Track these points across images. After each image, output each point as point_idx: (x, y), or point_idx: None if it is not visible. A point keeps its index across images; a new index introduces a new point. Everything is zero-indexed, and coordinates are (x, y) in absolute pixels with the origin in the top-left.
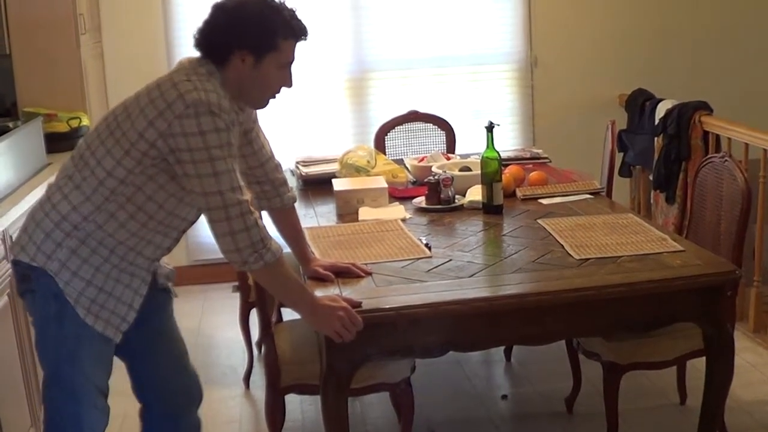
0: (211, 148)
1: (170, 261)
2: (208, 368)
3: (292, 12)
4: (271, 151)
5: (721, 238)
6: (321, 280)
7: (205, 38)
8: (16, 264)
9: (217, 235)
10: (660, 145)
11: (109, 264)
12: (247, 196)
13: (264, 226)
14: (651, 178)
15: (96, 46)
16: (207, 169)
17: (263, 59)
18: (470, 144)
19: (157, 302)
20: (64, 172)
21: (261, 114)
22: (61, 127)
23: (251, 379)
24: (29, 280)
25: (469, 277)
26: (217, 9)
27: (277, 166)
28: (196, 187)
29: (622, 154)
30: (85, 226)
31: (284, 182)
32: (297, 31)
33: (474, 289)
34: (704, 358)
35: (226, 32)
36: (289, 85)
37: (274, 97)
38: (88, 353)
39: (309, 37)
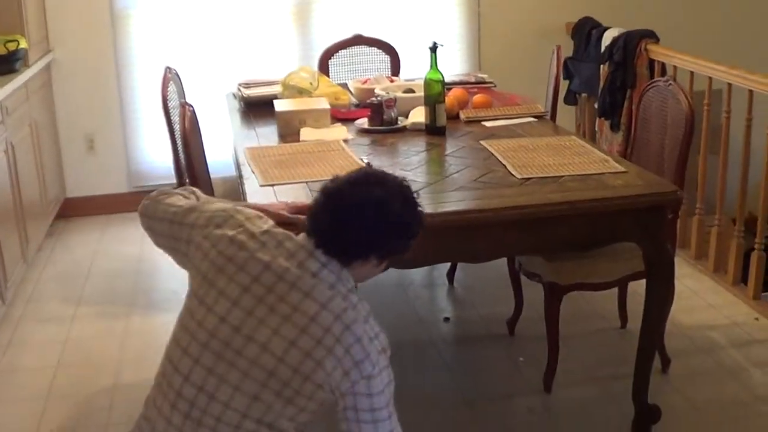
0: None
1: (111, 187)
2: (150, 293)
3: (420, 204)
4: None
5: (665, 162)
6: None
7: (342, 241)
8: None
9: None
10: (605, 73)
11: None
12: None
13: None
14: (596, 105)
15: None
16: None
17: (387, 259)
18: (415, 70)
19: None
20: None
21: (203, 42)
22: None
23: None
24: None
25: None
26: (358, 209)
27: None
28: None
29: (567, 82)
30: None
31: None
32: (424, 228)
33: None
34: (645, 281)
35: (367, 240)
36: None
37: None
38: None
39: None
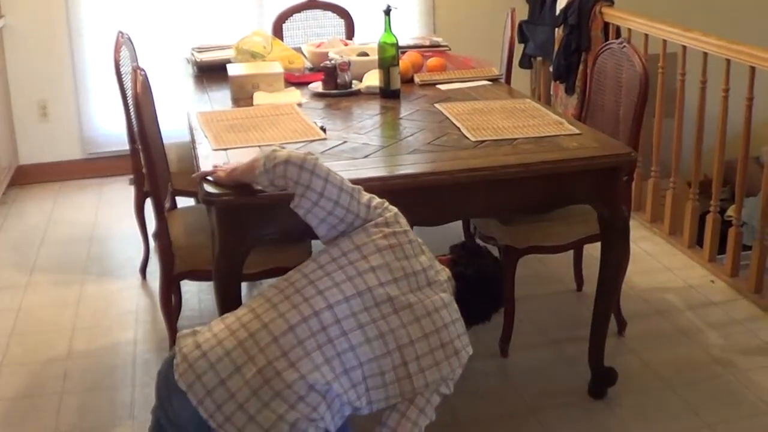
0: None
1: (64, 154)
2: (104, 260)
3: None
4: None
5: (620, 125)
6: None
7: (469, 310)
8: None
9: None
10: (560, 36)
11: None
12: None
13: None
14: (551, 69)
15: None
16: None
17: None
18: (369, 33)
19: None
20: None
21: (157, 6)
22: None
23: (148, 269)
24: None
25: (364, 157)
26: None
27: None
28: None
29: (522, 45)
30: None
31: None
32: None
33: (368, 170)
34: (600, 244)
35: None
36: None
37: None
38: None
39: None
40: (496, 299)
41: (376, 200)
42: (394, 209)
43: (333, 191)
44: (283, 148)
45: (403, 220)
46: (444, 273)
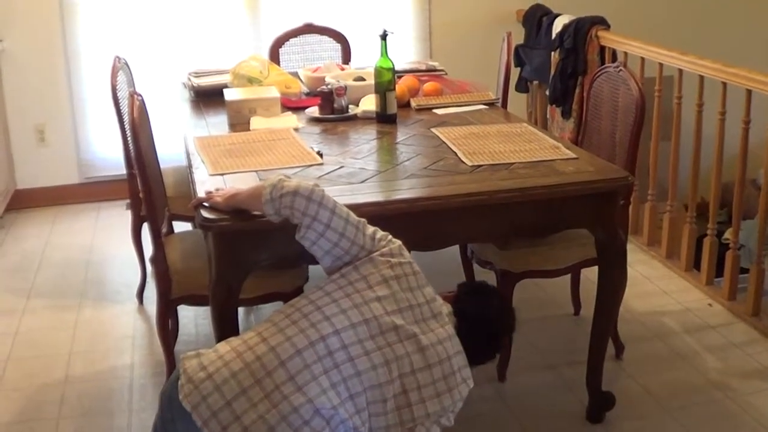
0: None
1: (62, 179)
2: (101, 285)
3: None
4: None
5: (616, 148)
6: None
7: (472, 350)
8: None
9: None
10: (556, 60)
11: None
12: None
13: None
14: (547, 92)
15: None
16: None
17: None
18: (366, 58)
19: None
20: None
21: (153, 31)
22: None
23: (145, 294)
24: None
25: (361, 182)
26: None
27: None
28: None
29: (519, 69)
30: None
31: None
32: None
33: (365, 194)
34: (597, 268)
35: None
36: None
37: None
38: None
39: None
40: (495, 343)
41: (380, 233)
42: (398, 242)
43: (339, 223)
44: (288, 176)
45: (406, 253)
46: (445, 308)
